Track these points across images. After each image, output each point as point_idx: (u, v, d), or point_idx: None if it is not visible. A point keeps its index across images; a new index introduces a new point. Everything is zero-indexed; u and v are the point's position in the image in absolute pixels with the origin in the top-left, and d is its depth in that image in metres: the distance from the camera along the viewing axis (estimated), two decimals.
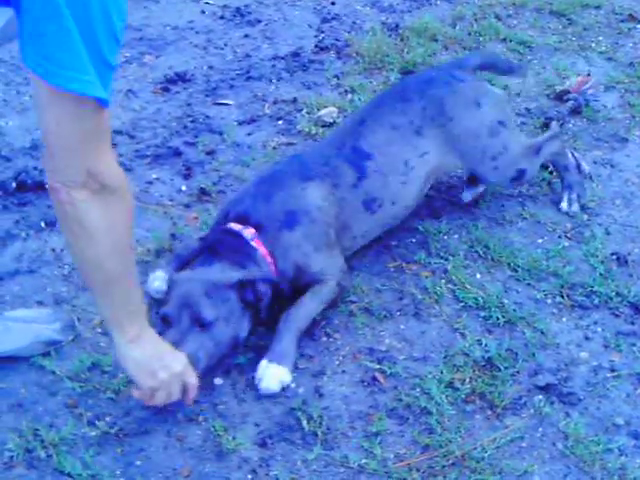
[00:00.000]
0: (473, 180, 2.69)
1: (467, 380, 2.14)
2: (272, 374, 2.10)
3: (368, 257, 2.52)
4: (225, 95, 3.30)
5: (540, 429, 2.04)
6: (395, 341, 2.26)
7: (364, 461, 1.94)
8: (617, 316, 2.37)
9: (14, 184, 2.70)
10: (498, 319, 2.32)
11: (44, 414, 2.01)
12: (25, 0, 1.45)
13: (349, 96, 3.30)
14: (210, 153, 2.95)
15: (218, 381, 2.12)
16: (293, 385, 2.12)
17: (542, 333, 2.29)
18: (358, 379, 2.15)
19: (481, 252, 2.55)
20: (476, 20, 3.89)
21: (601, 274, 2.48)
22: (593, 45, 3.73)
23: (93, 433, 1.97)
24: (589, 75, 3.40)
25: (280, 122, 3.14)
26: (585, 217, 2.72)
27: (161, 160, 2.90)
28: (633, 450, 2.00)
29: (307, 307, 2.25)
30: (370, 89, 3.33)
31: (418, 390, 2.11)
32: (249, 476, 1.90)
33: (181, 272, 2.23)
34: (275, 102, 3.26)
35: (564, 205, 2.72)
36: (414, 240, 2.59)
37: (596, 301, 2.40)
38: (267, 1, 4.02)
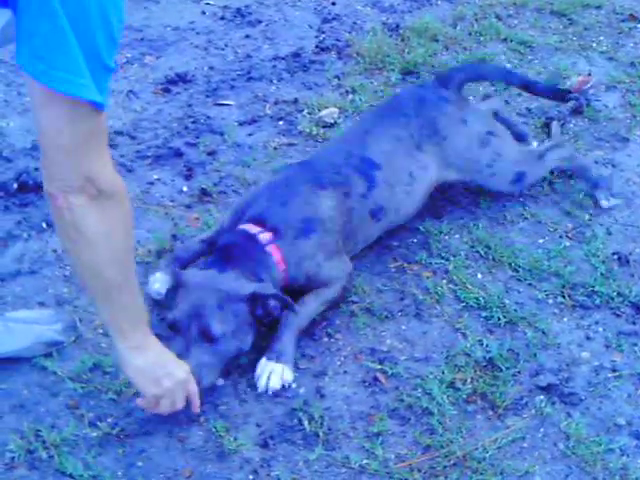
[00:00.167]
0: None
1: (468, 380, 2.14)
2: (272, 372, 2.10)
3: (369, 257, 2.52)
4: (226, 96, 3.30)
5: (541, 429, 2.04)
6: (396, 341, 2.26)
7: (365, 461, 1.94)
8: (618, 316, 2.37)
9: (15, 185, 2.70)
10: (499, 319, 2.32)
11: (46, 415, 2.01)
12: (21, 2, 1.44)
13: (350, 96, 3.30)
14: (211, 154, 2.95)
15: (219, 382, 2.12)
16: (294, 385, 2.12)
17: (543, 333, 2.29)
18: (359, 379, 2.15)
19: (482, 252, 2.55)
20: (477, 20, 3.89)
21: (602, 274, 2.48)
22: (594, 45, 3.73)
23: (94, 434, 1.97)
24: (590, 75, 3.40)
25: (281, 123, 3.14)
26: (586, 217, 2.72)
27: (162, 161, 2.90)
28: (635, 450, 2.00)
29: (309, 307, 2.25)
30: (371, 89, 3.33)
31: (419, 390, 2.11)
32: (250, 476, 1.91)
33: (191, 272, 2.19)
34: (276, 102, 3.26)
35: (605, 203, 2.76)
36: (415, 240, 2.59)
37: (597, 301, 2.40)
38: (268, 1, 4.02)
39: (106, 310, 1.80)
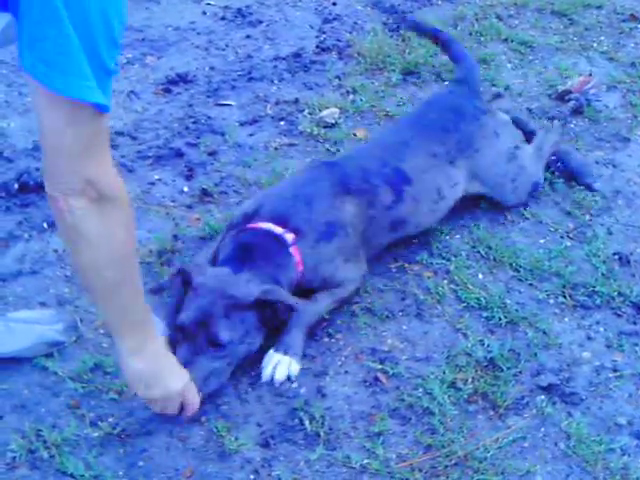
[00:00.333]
0: None
1: (469, 380, 2.14)
2: (278, 363, 2.10)
3: (370, 257, 2.51)
4: (227, 96, 3.30)
5: (542, 429, 2.04)
6: (397, 341, 2.26)
7: (366, 461, 1.94)
8: (619, 316, 2.37)
9: (16, 185, 2.70)
10: (500, 319, 2.32)
11: (47, 415, 2.01)
12: (23, 4, 1.44)
13: (351, 97, 3.30)
14: (212, 154, 2.95)
15: None
16: (295, 385, 2.12)
17: (544, 333, 2.29)
18: (360, 379, 2.15)
19: (483, 252, 2.55)
20: (477, 20, 3.89)
21: (603, 274, 2.48)
22: (595, 45, 3.73)
23: (96, 434, 1.97)
24: (591, 75, 3.40)
25: (282, 123, 3.14)
26: (587, 217, 2.72)
27: (163, 161, 2.90)
28: (636, 450, 2.00)
29: (320, 304, 2.25)
30: (372, 90, 3.33)
31: (420, 390, 2.11)
32: (251, 476, 1.91)
33: (202, 271, 2.14)
34: (277, 103, 3.26)
35: (598, 185, 2.82)
36: (416, 240, 2.59)
37: (598, 301, 2.40)
38: (268, 2, 4.02)
39: (105, 310, 1.81)
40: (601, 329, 2.33)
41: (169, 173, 2.85)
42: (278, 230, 2.21)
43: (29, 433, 1.95)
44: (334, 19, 3.89)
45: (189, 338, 2.03)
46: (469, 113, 2.65)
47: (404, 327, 2.31)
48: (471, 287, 2.42)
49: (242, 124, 3.13)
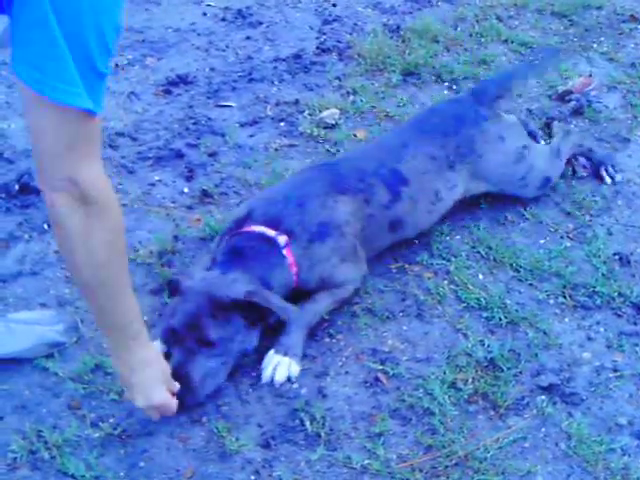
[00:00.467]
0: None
1: (470, 380, 2.14)
2: (278, 364, 2.11)
3: (370, 258, 2.51)
4: (227, 97, 3.30)
5: (543, 429, 2.04)
6: (398, 342, 2.26)
7: (367, 462, 1.94)
8: (619, 316, 2.37)
9: (17, 186, 2.70)
10: (500, 320, 2.32)
11: (47, 416, 2.01)
12: (15, 7, 1.46)
13: (351, 97, 3.30)
14: (212, 155, 2.95)
15: None
16: (296, 386, 2.12)
17: (544, 333, 2.30)
18: (361, 380, 2.15)
19: (483, 253, 2.55)
20: (477, 21, 3.89)
21: (603, 274, 2.48)
22: (595, 46, 3.73)
23: (96, 434, 1.97)
24: (591, 76, 3.40)
25: (282, 124, 3.15)
26: (587, 217, 2.72)
27: (163, 162, 2.91)
28: (636, 450, 2.00)
29: (320, 305, 2.26)
30: (372, 90, 3.34)
31: (421, 391, 2.11)
32: (252, 477, 1.91)
33: (191, 275, 2.16)
34: (277, 104, 3.27)
35: (609, 180, 2.86)
36: (416, 241, 2.59)
37: (598, 301, 2.40)
38: (268, 3, 4.02)
39: (89, 307, 1.83)
40: (601, 329, 2.33)
41: (169, 174, 2.85)
42: (271, 233, 2.22)
43: (30, 434, 1.95)
44: (334, 20, 3.89)
45: (180, 342, 2.04)
46: (470, 119, 2.65)
47: (404, 328, 2.31)
48: (471, 287, 2.42)
49: (242, 125, 3.13)
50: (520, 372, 2.17)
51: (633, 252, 2.59)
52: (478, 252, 2.56)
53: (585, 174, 2.90)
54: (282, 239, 2.22)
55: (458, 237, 2.62)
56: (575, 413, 2.08)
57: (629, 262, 2.54)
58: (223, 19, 3.87)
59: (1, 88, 3.25)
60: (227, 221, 2.43)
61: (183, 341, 2.04)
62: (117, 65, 3.42)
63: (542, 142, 2.94)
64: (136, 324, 1.81)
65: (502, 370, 2.17)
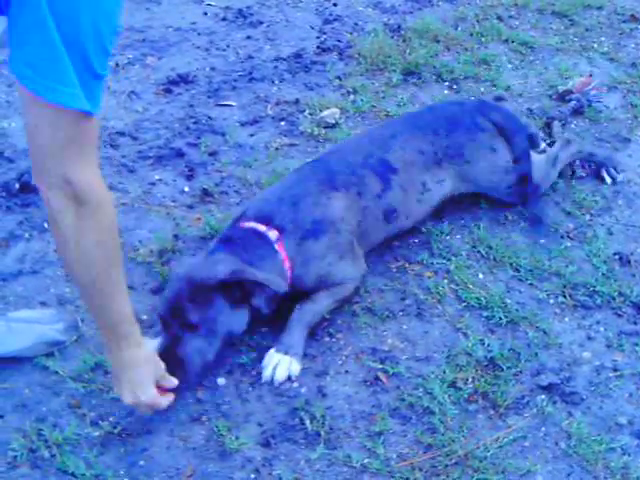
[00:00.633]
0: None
1: (470, 380, 2.14)
2: (278, 363, 2.11)
3: (371, 257, 2.51)
4: (227, 96, 3.30)
5: (543, 428, 2.04)
6: (398, 341, 2.26)
7: (367, 460, 1.94)
8: (619, 316, 2.37)
9: (17, 185, 2.70)
10: (501, 319, 2.32)
11: (48, 414, 2.01)
12: (13, 8, 1.46)
13: (351, 97, 3.30)
14: (213, 154, 2.95)
15: (221, 381, 2.13)
16: (296, 385, 2.12)
17: (545, 333, 2.30)
18: (361, 379, 2.15)
19: (483, 252, 2.55)
20: (478, 21, 3.89)
21: (603, 274, 2.48)
22: (595, 46, 3.73)
23: (96, 433, 1.97)
24: (591, 76, 3.40)
25: (282, 123, 3.15)
26: (587, 217, 2.72)
27: (164, 161, 2.91)
28: (636, 449, 2.00)
29: (321, 303, 2.26)
30: (372, 90, 3.34)
31: (421, 390, 2.11)
32: (252, 475, 1.91)
33: (184, 262, 2.23)
34: (277, 103, 3.27)
35: (608, 180, 2.86)
36: (417, 240, 2.59)
37: (598, 301, 2.40)
38: (269, 2, 4.02)
39: (84, 303, 1.84)
40: (601, 329, 2.33)
41: (170, 173, 2.85)
42: (261, 228, 2.24)
43: (30, 432, 1.95)
44: (335, 20, 3.89)
45: (167, 327, 2.08)
46: (464, 126, 2.66)
47: (404, 327, 2.31)
48: (471, 287, 2.42)
49: (243, 124, 3.13)
50: (520, 371, 2.17)
51: (633, 252, 2.59)
52: (478, 251, 2.56)
53: (585, 174, 2.90)
54: (273, 234, 2.23)
55: (458, 236, 2.62)
56: (575, 412, 2.08)
57: (629, 262, 2.54)
58: (224, 18, 3.87)
59: (1, 87, 3.25)
60: (227, 221, 2.43)
61: (170, 327, 2.07)
62: (117, 64, 3.42)
63: (542, 143, 2.94)
64: (127, 324, 1.82)
65: (502, 369, 2.17)
